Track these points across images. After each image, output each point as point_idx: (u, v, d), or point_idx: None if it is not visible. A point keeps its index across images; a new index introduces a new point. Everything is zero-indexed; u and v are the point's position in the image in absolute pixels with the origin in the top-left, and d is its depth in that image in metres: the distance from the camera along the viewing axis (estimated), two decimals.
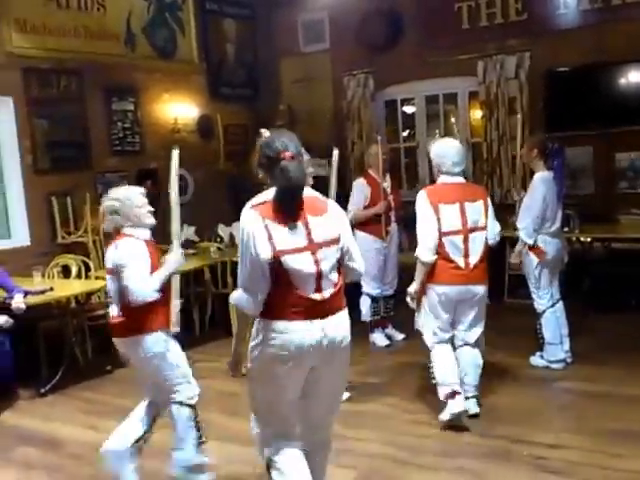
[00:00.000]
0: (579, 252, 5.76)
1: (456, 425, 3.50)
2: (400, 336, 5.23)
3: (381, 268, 5.09)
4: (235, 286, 2.33)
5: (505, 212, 5.20)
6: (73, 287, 5.00)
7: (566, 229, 5.05)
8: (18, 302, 4.23)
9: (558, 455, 3.21)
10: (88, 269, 5.35)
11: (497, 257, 4.31)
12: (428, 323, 3.59)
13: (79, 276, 5.27)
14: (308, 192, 2.33)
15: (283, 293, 2.24)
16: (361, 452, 3.33)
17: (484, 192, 3.68)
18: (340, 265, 2.35)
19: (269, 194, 2.26)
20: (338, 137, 7.42)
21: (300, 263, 2.23)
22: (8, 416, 4.22)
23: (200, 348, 5.46)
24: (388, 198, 5.03)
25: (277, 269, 2.22)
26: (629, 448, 3.20)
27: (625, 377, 4.10)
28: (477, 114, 6.85)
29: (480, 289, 3.53)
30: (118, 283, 2.81)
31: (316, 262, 2.26)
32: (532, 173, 4.44)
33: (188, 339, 5.56)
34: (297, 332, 2.24)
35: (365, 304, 5.13)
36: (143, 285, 2.74)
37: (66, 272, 5.41)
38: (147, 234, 2.91)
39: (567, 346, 4.36)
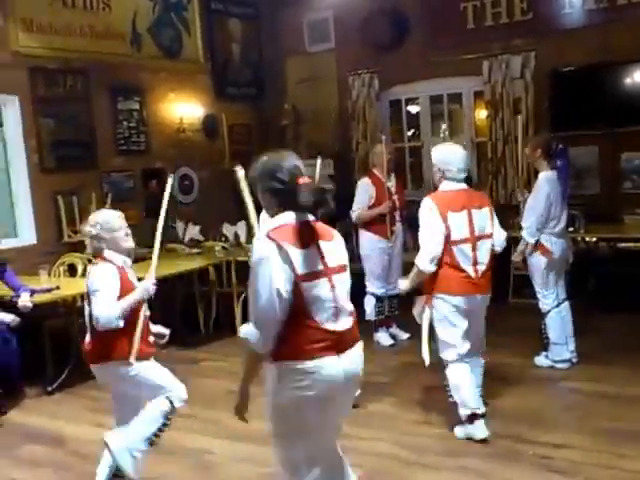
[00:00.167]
0: (584, 252, 5.76)
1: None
2: (405, 335, 5.24)
3: (385, 268, 5.10)
4: (240, 285, 2.30)
5: (510, 213, 5.20)
6: (79, 286, 4.99)
7: (571, 229, 5.05)
8: (25, 301, 4.25)
9: (563, 455, 3.21)
10: None
11: (502, 257, 4.30)
12: (443, 336, 3.39)
13: (85, 275, 5.27)
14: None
15: (300, 327, 2.11)
16: (366, 451, 3.33)
17: (488, 199, 3.61)
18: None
19: (282, 219, 2.17)
20: (343, 137, 7.45)
21: (319, 289, 2.13)
22: (15, 414, 4.24)
23: (205, 347, 5.49)
24: (393, 198, 5.03)
25: (296, 298, 2.09)
26: (634, 448, 3.20)
27: (630, 377, 4.10)
28: (482, 114, 6.85)
29: (487, 298, 3.47)
30: (90, 308, 2.86)
31: (332, 288, 2.17)
32: (537, 173, 4.44)
33: (193, 338, 5.63)
34: (325, 369, 2.11)
35: (369, 303, 5.14)
36: (106, 311, 2.76)
37: (72, 271, 5.44)
38: (122, 259, 2.93)
39: (572, 346, 4.36)
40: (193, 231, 6.43)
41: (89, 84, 5.97)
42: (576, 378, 4.17)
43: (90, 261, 3.20)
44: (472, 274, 3.34)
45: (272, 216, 2.24)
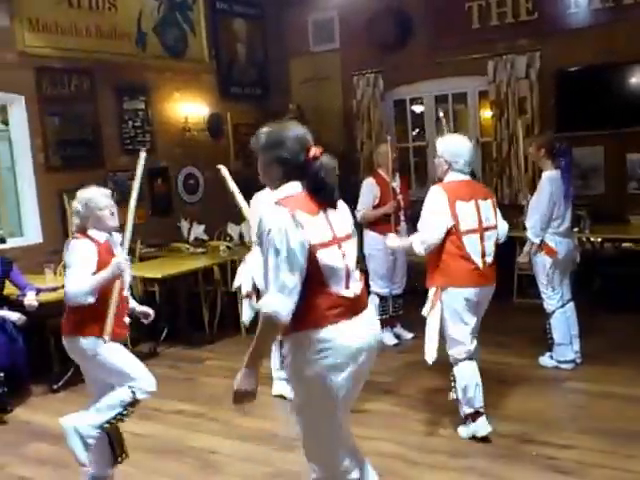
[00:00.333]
0: (589, 252, 5.75)
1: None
2: (409, 335, 5.24)
3: (390, 267, 5.10)
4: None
5: (515, 212, 5.19)
6: None
7: (576, 229, 5.04)
8: (30, 299, 4.27)
9: (568, 455, 3.21)
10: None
11: (506, 257, 4.31)
12: (452, 333, 3.34)
13: None
14: None
15: (316, 295, 2.10)
16: (370, 451, 3.30)
17: (490, 191, 3.64)
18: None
19: (289, 189, 2.16)
20: (347, 136, 7.45)
21: (332, 257, 2.13)
22: (21, 412, 4.26)
23: (210, 346, 5.50)
24: (397, 198, 5.03)
25: (311, 266, 2.08)
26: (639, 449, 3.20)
27: (635, 377, 4.09)
28: (487, 114, 6.84)
29: (493, 289, 3.45)
30: None
31: (343, 256, 2.18)
32: (541, 173, 4.43)
33: (198, 338, 5.65)
34: (345, 333, 2.12)
35: (373, 303, 5.14)
36: (75, 286, 2.74)
37: None
38: (105, 236, 2.90)
39: (577, 346, 4.35)
40: (198, 230, 6.45)
41: (95, 84, 5.99)
42: (581, 378, 4.16)
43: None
44: (480, 265, 3.32)
45: (275, 188, 2.22)
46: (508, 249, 4.06)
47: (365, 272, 4.99)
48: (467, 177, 3.43)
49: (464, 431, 3.44)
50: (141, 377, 2.91)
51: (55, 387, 4.58)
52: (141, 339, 5.36)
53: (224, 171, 2.70)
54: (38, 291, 4.38)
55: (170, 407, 4.18)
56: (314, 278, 2.09)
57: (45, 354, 4.61)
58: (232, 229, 6.30)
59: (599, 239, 5.93)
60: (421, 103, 7.30)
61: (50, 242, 5.56)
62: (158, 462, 3.48)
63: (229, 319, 5.80)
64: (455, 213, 3.27)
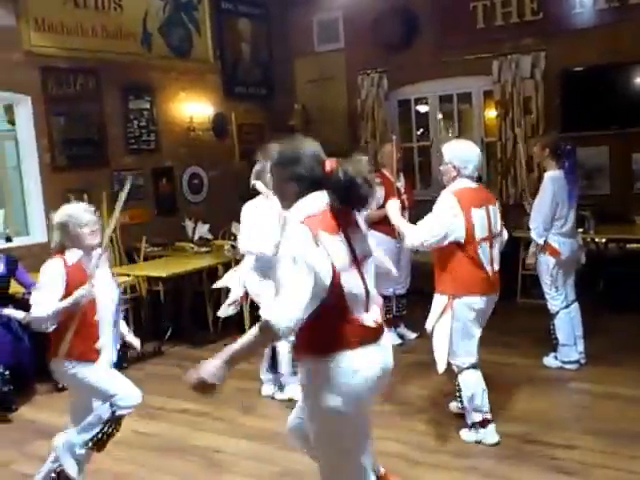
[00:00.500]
0: (594, 253, 5.74)
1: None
2: (412, 335, 5.24)
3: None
4: None
5: (519, 213, 5.18)
6: None
7: (581, 230, 5.03)
8: None
9: (572, 456, 3.21)
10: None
11: (510, 257, 4.31)
12: (458, 344, 3.29)
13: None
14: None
15: (337, 321, 2.07)
16: (373, 450, 3.34)
17: (495, 195, 3.61)
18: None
19: (314, 203, 2.10)
20: (352, 136, 7.45)
21: (352, 281, 2.09)
22: (26, 410, 4.29)
23: (213, 346, 5.50)
24: (402, 197, 5.02)
25: (333, 291, 2.02)
26: None
27: (639, 378, 4.08)
28: (491, 113, 6.83)
29: (497, 298, 3.41)
30: None
31: (362, 279, 2.13)
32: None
33: (202, 337, 5.66)
34: (367, 358, 2.12)
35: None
36: (37, 312, 2.73)
37: None
38: (78, 256, 2.82)
39: (581, 347, 4.35)
40: (202, 230, 6.46)
41: (100, 83, 6.01)
42: (585, 379, 4.16)
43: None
44: (490, 273, 3.30)
45: (287, 207, 2.16)
46: (512, 249, 4.07)
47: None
48: (476, 183, 3.41)
49: (470, 436, 3.43)
50: (120, 393, 2.87)
51: (60, 386, 4.57)
52: (145, 338, 5.37)
53: (128, 183, 2.80)
54: None
55: (174, 406, 4.20)
56: (335, 303, 2.05)
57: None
58: (236, 228, 6.29)
59: (604, 239, 5.91)
60: (425, 103, 7.30)
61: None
62: (163, 460, 3.49)
63: (233, 318, 5.80)
64: (470, 220, 3.21)
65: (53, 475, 2.92)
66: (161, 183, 6.57)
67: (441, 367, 3.29)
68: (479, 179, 3.46)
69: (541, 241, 4.23)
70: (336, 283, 2.03)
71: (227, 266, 5.84)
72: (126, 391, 2.90)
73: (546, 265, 4.30)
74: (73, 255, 2.83)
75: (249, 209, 3.97)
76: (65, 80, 5.75)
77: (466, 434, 3.45)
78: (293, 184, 2.14)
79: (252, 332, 2.00)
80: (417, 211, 5.07)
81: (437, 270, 3.34)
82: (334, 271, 2.02)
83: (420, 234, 3.23)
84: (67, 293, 2.75)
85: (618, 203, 5.97)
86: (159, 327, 5.66)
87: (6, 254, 4.63)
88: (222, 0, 7.21)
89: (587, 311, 4.50)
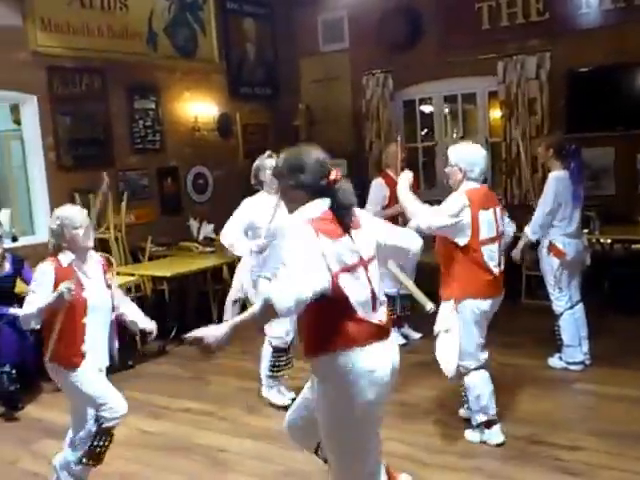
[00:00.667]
0: (599, 253, 5.72)
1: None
2: (416, 335, 5.24)
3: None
4: None
5: (524, 213, 5.17)
6: None
7: (586, 230, 5.02)
8: None
9: (577, 457, 3.21)
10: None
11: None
12: (465, 346, 3.28)
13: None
14: None
15: (343, 320, 2.11)
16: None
17: (498, 197, 3.63)
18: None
19: (316, 208, 2.15)
20: (357, 136, 7.45)
21: (357, 282, 2.13)
22: (32, 409, 4.30)
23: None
24: None
25: (334, 293, 2.07)
26: None
27: None
28: (496, 114, 6.83)
29: (501, 299, 3.42)
30: None
31: (368, 279, 2.18)
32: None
33: None
34: (373, 356, 2.15)
35: None
36: (24, 311, 2.77)
37: None
38: (70, 259, 2.82)
39: (586, 348, 4.34)
40: (207, 229, 6.47)
41: (106, 83, 6.03)
42: (590, 380, 4.16)
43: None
44: (497, 275, 3.30)
45: (291, 211, 2.23)
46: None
47: None
48: (483, 185, 3.41)
49: (474, 436, 3.43)
50: (110, 402, 2.87)
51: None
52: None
53: (106, 181, 2.83)
54: None
55: (179, 405, 4.21)
56: (340, 304, 2.10)
57: None
58: None
59: (609, 240, 5.90)
60: (430, 103, 7.30)
61: None
62: (167, 460, 3.50)
63: None
64: (477, 222, 3.21)
65: None
66: (166, 183, 6.59)
67: (451, 371, 3.28)
68: (484, 180, 3.46)
69: (533, 238, 4.22)
70: (335, 284, 2.07)
71: (231, 266, 5.85)
72: (114, 401, 2.89)
73: (550, 266, 4.29)
74: (66, 257, 2.85)
75: (243, 205, 4.01)
76: (71, 80, 5.78)
77: (470, 434, 3.45)
78: (298, 191, 2.20)
79: (254, 309, 2.04)
80: None
81: (443, 277, 3.35)
82: (332, 274, 2.06)
83: (429, 218, 3.23)
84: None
85: (623, 204, 5.96)
86: (164, 326, 5.64)
87: (12, 253, 4.65)
88: (227, 0, 7.23)
89: (592, 312, 4.49)
